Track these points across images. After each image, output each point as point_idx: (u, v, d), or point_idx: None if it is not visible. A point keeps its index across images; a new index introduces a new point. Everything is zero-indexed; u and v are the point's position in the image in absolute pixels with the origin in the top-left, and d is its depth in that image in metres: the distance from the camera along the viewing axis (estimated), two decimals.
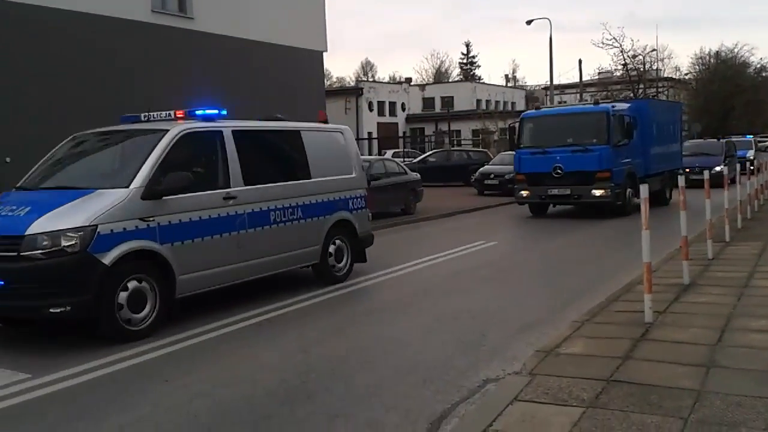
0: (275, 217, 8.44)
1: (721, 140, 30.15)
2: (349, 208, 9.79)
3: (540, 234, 14.71)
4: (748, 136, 42.83)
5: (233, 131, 8.17)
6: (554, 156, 16.63)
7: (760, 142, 69.23)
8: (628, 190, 16.89)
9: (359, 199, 10.05)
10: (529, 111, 20.88)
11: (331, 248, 9.41)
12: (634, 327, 6.29)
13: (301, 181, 9.01)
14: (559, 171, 16.50)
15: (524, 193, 17.35)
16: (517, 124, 18.27)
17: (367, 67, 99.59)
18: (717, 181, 15.20)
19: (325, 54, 26.19)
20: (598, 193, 16.34)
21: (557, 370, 5.24)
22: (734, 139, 37.08)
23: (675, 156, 21.04)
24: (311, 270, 9.41)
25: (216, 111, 8.27)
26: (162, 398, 5.30)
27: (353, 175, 9.98)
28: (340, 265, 9.62)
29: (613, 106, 17.60)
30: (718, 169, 20.39)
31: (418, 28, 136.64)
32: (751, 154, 33.44)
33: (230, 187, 7.89)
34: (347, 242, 9.73)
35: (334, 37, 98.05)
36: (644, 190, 6.69)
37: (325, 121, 10.46)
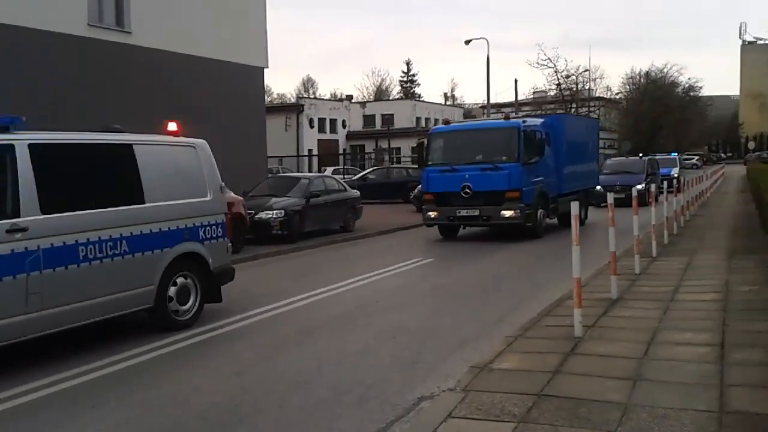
0: (87, 252, 6.84)
1: (644, 158, 29.56)
2: (200, 238, 8.25)
3: (476, 251, 14.91)
4: (672, 153, 42.28)
5: (31, 145, 6.59)
6: (463, 174, 15.77)
7: (686, 160, 72.33)
8: (540, 210, 16.25)
9: (214, 227, 8.50)
10: (438, 126, 19.64)
11: (172, 289, 7.86)
12: (565, 341, 6.44)
13: (129, 207, 7.43)
14: (467, 190, 15.64)
15: (432, 214, 16.32)
16: (426, 140, 17.51)
17: (308, 83, 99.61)
18: (639, 200, 15.90)
19: (265, 70, 26.08)
20: (507, 214, 15.52)
21: (490, 385, 5.32)
22: (659, 156, 37.01)
23: (591, 175, 20.64)
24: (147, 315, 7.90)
25: (9, 119, 6.68)
26: (88, 425, 5.13)
27: (207, 198, 8.46)
28: (185, 307, 8.03)
29: (524, 122, 16.91)
30: (639, 187, 20.38)
31: (359, 46, 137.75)
32: (675, 171, 33.19)
33: (19, 216, 6.34)
34: (195, 279, 8.19)
35: (275, 53, 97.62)
36: (575, 207, 6.88)
37: (176, 134, 8.72)
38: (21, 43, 17.18)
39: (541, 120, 18.85)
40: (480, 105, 77.42)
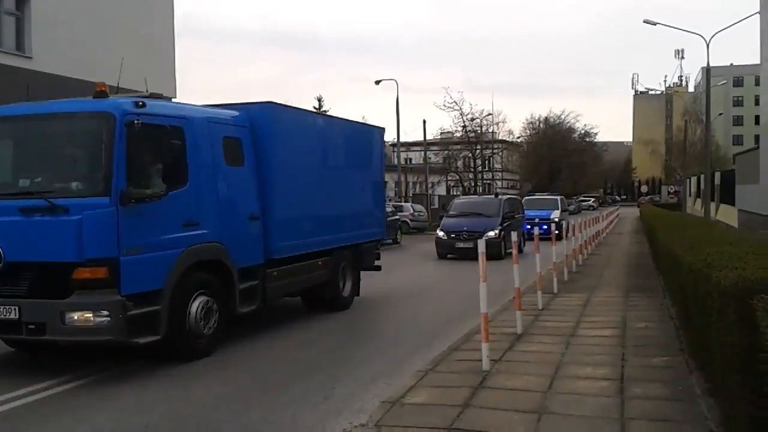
0: None
1: (500, 197, 23.82)
2: None
3: (387, 286, 14.99)
4: (554, 194, 35.42)
5: None
6: None
7: (583, 201, 75.72)
8: (196, 304, 7.80)
9: None
10: None
11: None
12: (473, 375, 6.57)
13: None
14: None
15: None
16: None
17: None
18: (491, 251, 14.60)
19: (174, 100, 25.59)
20: (78, 321, 6.84)
21: (402, 420, 5.35)
22: (537, 196, 33.48)
23: (366, 220, 12.29)
24: None
25: None
26: None
27: None
28: None
29: (139, 104, 7.45)
30: (491, 234, 19.65)
31: (270, 80, 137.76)
32: (556, 215, 28.69)
33: None
34: None
35: (186, 83, 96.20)
36: (481, 245, 7.08)
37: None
38: None
39: (235, 112, 9.14)
40: (390, 143, 78.59)
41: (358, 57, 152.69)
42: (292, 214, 9.75)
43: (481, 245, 7.07)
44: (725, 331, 4.36)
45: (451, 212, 22.82)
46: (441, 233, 21.12)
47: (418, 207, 36.57)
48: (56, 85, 19.79)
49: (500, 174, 65.83)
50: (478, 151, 55.01)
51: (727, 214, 30.52)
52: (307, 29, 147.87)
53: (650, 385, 6.18)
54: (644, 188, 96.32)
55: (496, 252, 18.40)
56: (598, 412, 5.44)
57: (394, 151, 52.38)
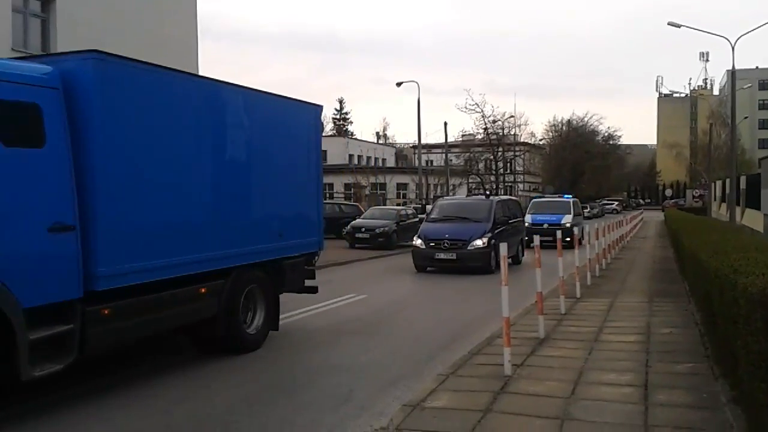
0: None
1: (491, 198, 19.59)
2: None
3: (408, 288, 14.99)
4: (566, 195, 30.78)
5: None
6: None
7: (606, 205, 75.08)
8: None
9: None
10: None
11: None
12: (495, 380, 6.52)
13: None
14: None
15: None
16: None
17: None
18: (476, 264, 16.09)
19: None
20: None
21: (422, 424, 5.32)
22: (546, 198, 30.59)
23: (293, 227, 9.38)
24: None
25: None
26: None
27: None
28: None
29: None
30: (479, 243, 16.78)
31: (292, 82, 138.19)
32: (567, 220, 25.60)
33: None
34: None
35: None
36: (503, 248, 7.03)
37: None
38: None
39: (40, 66, 6.29)
40: (411, 145, 78.63)
41: (379, 59, 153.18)
42: (139, 222, 6.72)
43: (503, 248, 7.02)
44: (752, 338, 4.28)
45: (432, 216, 18.84)
46: (418, 241, 17.56)
47: None
48: None
49: (522, 176, 65.47)
50: (499, 153, 54.79)
51: (752, 219, 30.05)
52: (327, 31, 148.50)
53: (674, 392, 6.09)
54: (668, 192, 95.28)
55: (483, 265, 16.70)
56: (621, 419, 5.37)
57: (415, 153, 52.37)
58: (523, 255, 19.82)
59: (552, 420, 5.36)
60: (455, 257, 16.83)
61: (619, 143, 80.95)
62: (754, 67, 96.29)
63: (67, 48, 20.34)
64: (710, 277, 6.79)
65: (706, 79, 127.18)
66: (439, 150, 57.17)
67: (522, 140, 62.03)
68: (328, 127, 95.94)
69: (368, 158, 67.67)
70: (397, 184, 55.92)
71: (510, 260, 17.17)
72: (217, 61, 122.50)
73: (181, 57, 24.32)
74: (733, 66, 31.34)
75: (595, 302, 11.68)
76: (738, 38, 48.54)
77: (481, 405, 5.77)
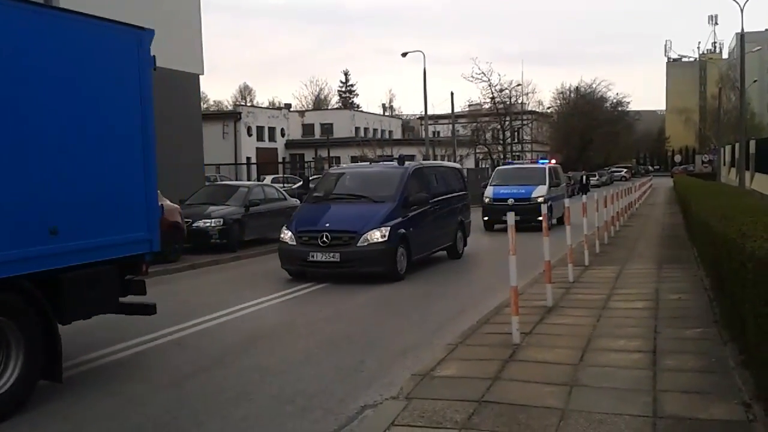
0: None
1: (406, 165, 13.37)
2: None
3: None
4: (541, 161, 24.43)
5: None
6: None
7: (615, 172, 74.68)
8: None
9: None
10: None
11: None
12: (503, 348, 6.56)
13: None
14: None
15: None
16: None
17: (245, 91, 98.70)
18: (366, 267, 10.98)
19: (201, 77, 25.68)
20: None
21: (432, 393, 5.37)
22: (515, 165, 23.84)
23: (91, 218, 6.18)
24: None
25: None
26: None
27: None
28: None
29: None
30: (376, 235, 11.31)
31: (296, 55, 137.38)
32: (540, 193, 19.96)
33: None
34: None
35: (211, 59, 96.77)
36: (511, 217, 7.02)
37: None
38: None
39: None
40: (417, 116, 78.24)
41: (384, 29, 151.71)
42: None
43: (511, 217, 6.99)
44: (760, 302, 4.28)
45: (315, 194, 13.38)
46: (287, 234, 12.02)
47: None
48: None
49: (530, 146, 65.18)
50: (507, 122, 54.51)
51: (762, 183, 29.85)
52: (331, 1, 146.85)
53: (683, 357, 6.11)
54: (678, 158, 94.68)
55: (384, 269, 11.43)
56: (629, 384, 5.41)
57: (422, 125, 52.14)
58: (464, 245, 14.89)
59: (561, 386, 5.40)
60: (338, 259, 11.28)
61: (628, 110, 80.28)
62: (764, 30, 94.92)
63: None
64: (718, 242, 6.78)
65: (715, 42, 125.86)
66: (446, 121, 56.91)
67: (530, 109, 61.66)
68: (334, 101, 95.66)
69: (375, 131, 67.50)
70: (404, 155, 55.83)
71: (445, 251, 14.07)
72: (220, 34, 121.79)
73: (183, 30, 24.21)
74: (742, 29, 31.02)
75: (604, 270, 11.68)
76: (747, 0, 47.73)
77: (490, 373, 5.81)
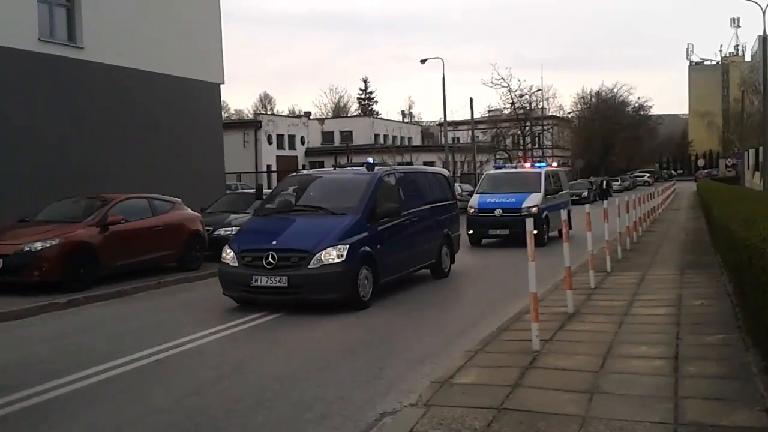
0: None
1: (377, 169, 11.57)
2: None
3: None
4: (539, 164, 21.22)
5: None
6: None
7: (638, 177, 74.06)
8: None
9: None
10: None
11: None
12: (523, 355, 6.53)
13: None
14: None
15: None
16: None
17: (265, 100, 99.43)
18: (318, 294, 9.22)
19: (222, 86, 25.92)
20: None
21: (451, 400, 5.36)
22: (506, 170, 21.35)
23: None
24: None
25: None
26: None
27: None
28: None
29: None
30: (331, 255, 9.52)
31: (315, 63, 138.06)
32: (533, 202, 17.65)
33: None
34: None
35: (231, 68, 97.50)
36: (529, 223, 7.00)
37: None
38: None
39: None
40: (437, 123, 78.23)
41: (403, 36, 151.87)
42: None
43: (529, 224, 6.98)
44: None
45: (268, 205, 11.58)
46: (229, 254, 10.17)
47: (466, 186, 36.38)
48: (107, 74, 20.32)
49: (551, 151, 64.87)
50: (527, 128, 54.32)
51: None
52: (349, 9, 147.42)
53: (705, 363, 6.04)
54: (701, 162, 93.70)
55: (339, 295, 9.63)
56: (651, 391, 5.36)
57: (441, 131, 52.08)
58: (451, 262, 13.32)
59: (581, 393, 5.36)
60: (285, 284, 9.51)
61: (650, 114, 79.77)
62: None
63: (94, 37, 20.61)
64: (740, 247, 6.70)
65: (737, 45, 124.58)
66: (466, 127, 56.78)
67: (550, 114, 61.39)
68: (353, 108, 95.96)
69: (394, 137, 67.58)
70: (424, 162, 55.76)
71: (429, 270, 12.43)
72: (241, 44, 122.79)
73: (205, 40, 24.46)
74: (764, 31, 30.73)
75: (626, 275, 11.58)
76: None
77: (509, 380, 5.79)
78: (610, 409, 5.00)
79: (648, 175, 79.46)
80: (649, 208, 23.50)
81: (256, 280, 9.68)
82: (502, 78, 51.96)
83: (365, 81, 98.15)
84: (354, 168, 12.31)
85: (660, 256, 14.38)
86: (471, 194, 22.92)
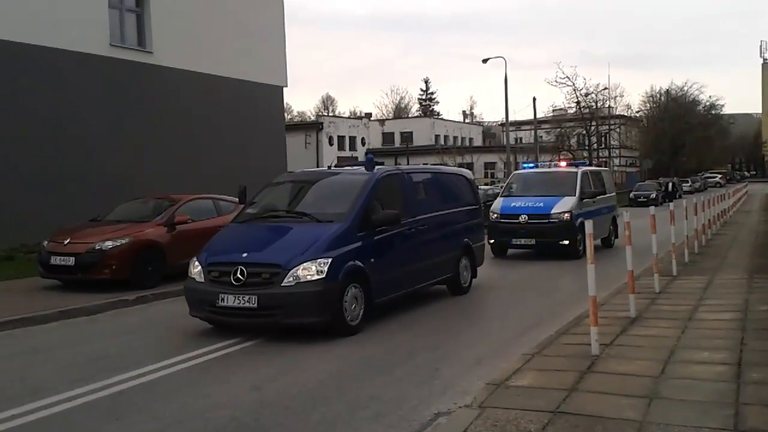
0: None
1: (377, 169, 9.89)
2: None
3: (500, 269, 14.91)
4: (579, 162, 20.61)
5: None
6: None
7: (709, 178, 71.71)
8: None
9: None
10: None
11: None
12: (581, 359, 6.46)
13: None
14: None
15: None
16: None
17: (327, 101, 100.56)
18: (293, 318, 7.71)
19: (285, 89, 26.41)
20: None
21: (506, 402, 5.36)
22: (537, 170, 18.79)
23: None
24: None
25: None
26: None
27: None
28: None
29: None
30: (310, 270, 8.01)
31: (377, 64, 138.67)
32: (565, 207, 15.37)
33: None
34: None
35: (294, 71, 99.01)
36: (589, 226, 6.92)
37: None
38: (45, 63, 17.62)
39: None
40: (499, 123, 77.56)
41: (464, 35, 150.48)
42: None
43: (589, 226, 6.91)
44: None
45: (249, 210, 10.01)
46: (196, 268, 8.70)
47: None
48: (174, 78, 20.98)
49: (618, 151, 63.43)
50: (593, 127, 53.24)
51: None
52: (410, 10, 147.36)
53: None
54: None
55: (318, 318, 8.16)
56: (711, 397, 5.23)
57: (503, 131, 51.63)
58: (473, 276, 11.74)
59: (639, 399, 5.28)
60: (254, 304, 8.03)
61: (722, 113, 77.10)
62: None
63: (162, 42, 21.32)
64: None
65: None
66: (529, 126, 56.19)
67: (617, 113, 60.02)
68: (414, 109, 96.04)
69: (455, 138, 67.38)
70: (485, 163, 55.46)
71: (446, 285, 10.90)
72: (304, 47, 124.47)
73: (268, 44, 25.00)
74: None
75: (692, 280, 11.29)
76: None
77: (566, 384, 5.74)
78: (668, 414, 4.91)
79: (720, 176, 76.93)
80: (720, 211, 22.78)
81: (223, 300, 8.12)
82: (567, 77, 51.00)
83: (426, 81, 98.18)
84: (352, 167, 10.77)
85: (729, 260, 13.94)
86: None
